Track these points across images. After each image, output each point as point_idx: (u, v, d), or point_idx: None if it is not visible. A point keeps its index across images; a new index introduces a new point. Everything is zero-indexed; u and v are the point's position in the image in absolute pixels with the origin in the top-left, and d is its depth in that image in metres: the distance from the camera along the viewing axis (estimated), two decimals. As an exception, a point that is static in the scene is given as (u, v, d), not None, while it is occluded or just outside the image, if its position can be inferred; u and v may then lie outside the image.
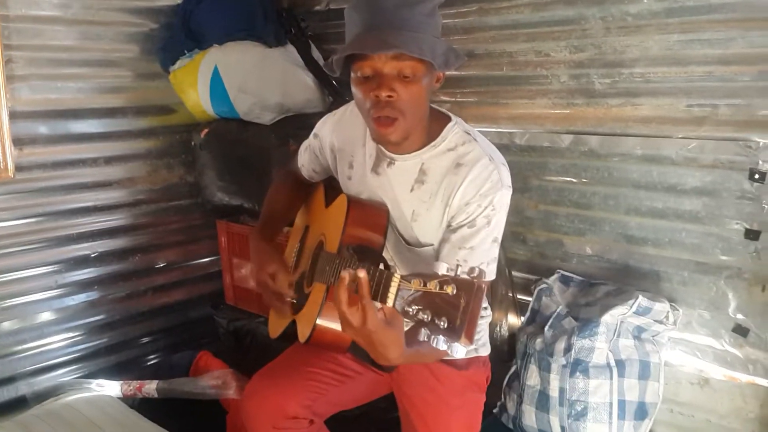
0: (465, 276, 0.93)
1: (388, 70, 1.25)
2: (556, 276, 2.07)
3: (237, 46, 2.26)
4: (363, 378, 1.58)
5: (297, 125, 2.22)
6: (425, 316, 0.94)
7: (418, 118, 1.33)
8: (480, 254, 1.33)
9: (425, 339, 0.94)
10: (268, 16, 2.26)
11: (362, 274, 1.02)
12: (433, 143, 1.39)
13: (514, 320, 2.18)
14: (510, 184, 1.38)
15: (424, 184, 1.40)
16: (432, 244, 1.42)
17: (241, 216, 2.44)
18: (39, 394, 2.23)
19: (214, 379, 2.23)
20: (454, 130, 1.40)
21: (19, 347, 2.24)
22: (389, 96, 1.26)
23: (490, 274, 1.37)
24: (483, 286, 0.93)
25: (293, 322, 1.51)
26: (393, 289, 1.00)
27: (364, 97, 1.29)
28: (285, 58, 2.31)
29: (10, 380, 2.21)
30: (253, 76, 2.24)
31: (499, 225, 1.37)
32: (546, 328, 1.90)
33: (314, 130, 1.63)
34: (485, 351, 1.61)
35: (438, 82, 1.35)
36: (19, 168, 2.08)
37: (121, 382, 2.28)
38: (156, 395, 2.23)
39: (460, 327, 0.91)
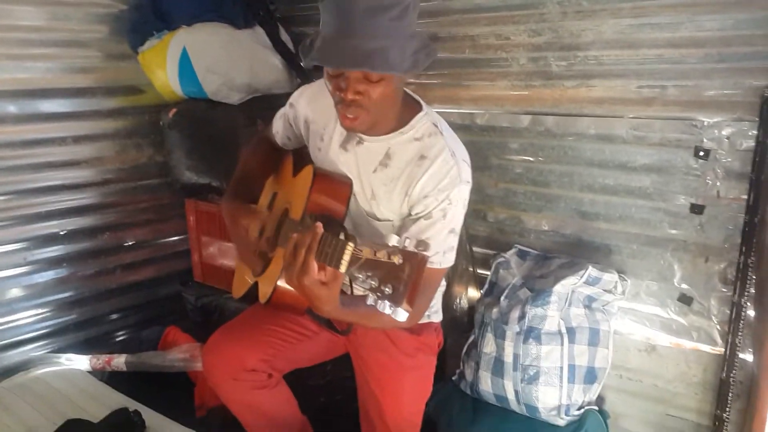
0: (412, 249, 1.02)
1: (354, 75, 1.29)
2: (513, 250, 2.16)
3: (205, 27, 2.29)
4: (320, 338, 1.66)
5: (265, 105, 2.26)
6: (373, 283, 1.03)
7: (385, 111, 1.38)
8: (435, 244, 1.40)
9: (372, 303, 1.03)
10: (237, -1, 2.30)
11: (319, 229, 1.11)
12: (401, 130, 1.44)
13: (474, 293, 2.27)
14: (469, 180, 1.45)
15: (387, 167, 1.46)
16: (390, 220, 1.49)
17: (209, 195, 2.48)
18: (8, 369, 2.26)
19: (182, 353, 2.29)
20: (422, 120, 1.45)
21: (-13, 323, 2.24)
22: (355, 99, 1.30)
23: (447, 262, 1.45)
24: (426, 258, 1.02)
25: (256, 285, 1.56)
26: (346, 257, 1.08)
27: (333, 92, 1.34)
28: (253, 39, 2.35)
29: (-22, 355, 2.23)
30: (222, 57, 2.27)
31: (456, 217, 1.43)
32: (502, 298, 1.99)
33: (290, 99, 1.67)
34: (437, 318, 1.70)
35: (411, 75, 1.39)
36: (-15, 146, 2.09)
37: (90, 356, 2.32)
38: (125, 368, 2.28)
39: (403, 293, 1.00)
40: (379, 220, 1.50)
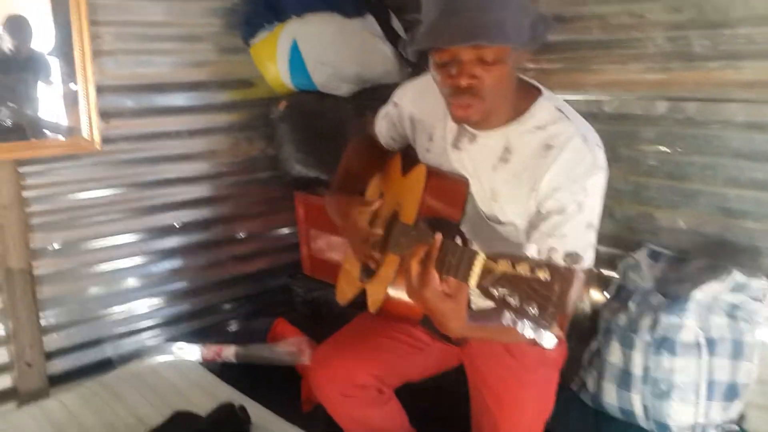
0: (560, 262, 0.89)
1: (467, 57, 1.18)
2: (644, 251, 1.95)
3: (315, 17, 2.25)
4: (432, 349, 1.55)
5: (374, 97, 2.18)
6: (513, 301, 0.90)
7: (501, 99, 1.26)
8: (572, 241, 1.25)
9: (510, 324, 0.90)
10: (348, -13, 2.24)
11: (438, 236, 1.01)
12: (519, 119, 1.31)
13: (597, 296, 2.10)
14: (605, 166, 1.30)
15: (508, 162, 1.33)
16: (514, 223, 1.36)
17: (318, 188, 2.44)
18: (124, 357, 2.33)
19: (289, 346, 2.27)
20: (543, 106, 1.31)
21: (106, 311, 2.33)
22: (468, 84, 1.20)
23: (587, 261, 1.30)
24: (579, 273, 0.89)
25: (363, 290, 1.49)
26: (477, 269, 0.96)
27: (443, 82, 1.24)
28: (364, 28, 2.28)
29: (97, 342, 2.31)
30: (331, 48, 2.23)
31: (594, 210, 1.28)
32: (630, 303, 1.81)
33: (394, 98, 1.58)
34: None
35: (528, 55, 1.27)
36: (105, 140, 2.15)
37: (201, 345, 2.35)
38: (234, 360, 2.29)
39: (552, 315, 0.87)
40: (501, 223, 1.37)
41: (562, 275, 0.87)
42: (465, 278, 0.97)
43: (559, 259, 0.89)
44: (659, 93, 1.90)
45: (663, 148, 1.92)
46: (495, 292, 0.93)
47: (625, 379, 1.78)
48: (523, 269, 0.90)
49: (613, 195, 2.01)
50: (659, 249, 1.95)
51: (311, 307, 2.53)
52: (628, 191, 2.02)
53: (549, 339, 0.88)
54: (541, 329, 0.88)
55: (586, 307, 2.10)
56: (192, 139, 2.41)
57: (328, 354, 1.52)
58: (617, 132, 2.00)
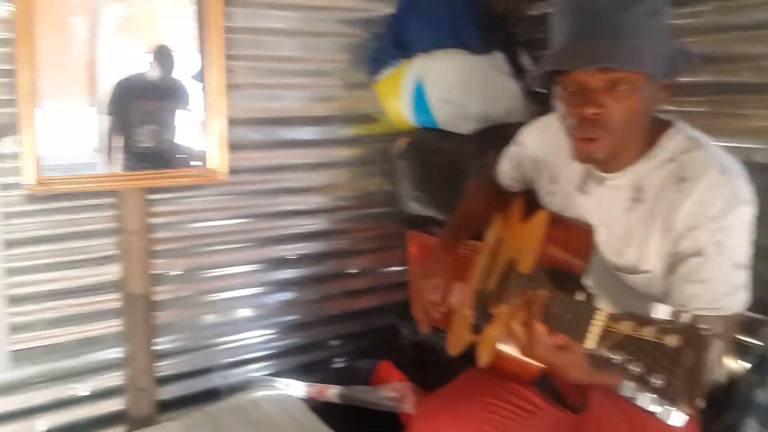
0: (691, 323, 0.77)
1: (596, 84, 1.08)
2: (797, 321, 1.74)
3: (442, 54, 2.21)
4: (545, 415, 1.40)
5: (497, 135, 2.08)
6: (635, 369, 0.79)
7: (630, 135, 1.15)
8: (715, 286, 1.11)
9: (630, 395, 0.79)
10: (476, 23, 2.18)
11: (542, 292, 0.93)
12: (649, 154, 1.18)
13: (732, 365, 1.88)
14: (750, 199, 1.14)
15: (641, 202, 1.20)
16: (648, 271, 1.22)
17: (432, 227, 2.38)
18: (231, 387, 2.32)
19: (392, 391, 2.20)
20: (674, 138, 1.18)
21: (218, 340, 2.35)
22: (595, 114, 1.10)
23: (735, 305, 1.13)
24: (714, 339, 0.76)
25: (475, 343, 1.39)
26: (596, 329, 0.86)
27: (567, 113, 1.15)
28: (491, 65, 2.21)
29: (206, 371, 2.33)
30: (456, 85, 2.18)
31: (740, 248, 1.12)
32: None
33: (518, 137, 1.49)
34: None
35: (665, 90, 1.15)
36: (232, 171, 2.19)
37: (306, 383, 2.32)
38: (337, 400, 2.24)
39: (679, 390, 0.74)
40: (636, 272, 1.23)
41: (695, 342, 0.75)
42: (581, 338, 0.87)
43: (698, 310, 0.76)
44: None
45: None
46: (614, 358, 0.81)
47: (768, 468, 1.57)
48: (648, 333, 0.79)
49: (759, 254, 1.83)
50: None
51: (417, 351, 2.45)
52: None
53: (676, 417, 0.75)
54: (667, 405, 0.75)
55: (720, 375, 1.89)
56: (313, 173, 2.42)
57: (435, 408, 1.41)
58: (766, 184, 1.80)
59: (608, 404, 1.30)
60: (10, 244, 1.91)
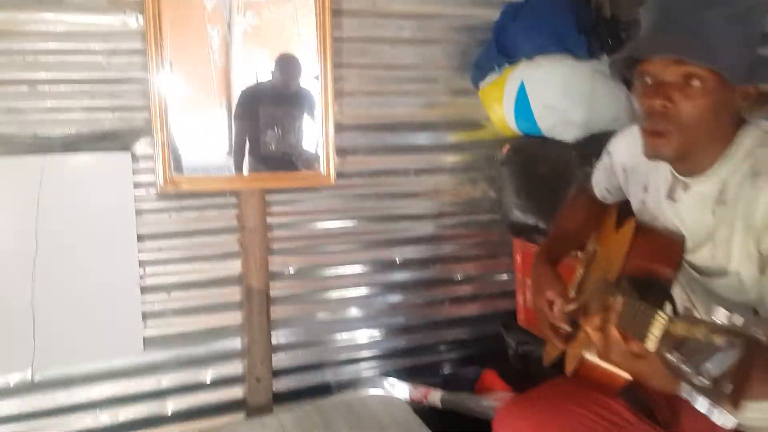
0: (742, 326, 0.76)
1: (669, 77, 1.07)
2: None
3: (546, 60, 2.19)
4: (633, 430, 1.35)
5: (602, 143, 2.06)
6: (687, 369, 0.78)
7: (701, 139, 1.11)
8: None
9: (687, 396, 0.78)
10: (581, 28, 2.17)
11: (619, 299, 0.94)
12: (727, 153, 1.15)
13: None
14: None
15: (724, 204, 1.16)
16: (738, 272, 1.16)
17: (536, 236, 2.36)
18: (341, 384, 2.44)
19: (496, 401, 2.19)
20: (750, 133, 1.14)
21: (330, 337, 2.47)
22: (664, 106, 1.08)
23: None
24: (762, 342, 0.74)
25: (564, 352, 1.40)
26: (655, 331, 0.86)
27: (639, 104, 1.14)
28: (596, 71, 2.18)
29: (318, 366, 2.46)
30: (560, 92, 2.15)
31: None
32: None
33: (607, 147, 1.48)
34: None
35: (747, 98, 1.11)
36: (342, 175, 2.31)
37: (411, 386, 2.38)
38: (439, 405, 2.28)
39: (722, 390, 0.74)
40: (724, 275, 1.18)
41: (743, 344, 0.73)
42: (643, 339, 0.88)
43: (740, 323, 0.74)
44: None
45: None
46: (670, 358, 0.81)
47: None
48: (700, 333, 0.78)
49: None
50: None
51: (522, 361, 2.42)
52: None
53: (722, 417, 0.74)
54: (713, 406, 0.74)
55: None
56: (418, 178, 2.48)
57: (513, 412, 1.41)
58: None
59: (702, 420, 1.25)
60: (143, 238, 2.13)
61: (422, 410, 2.22)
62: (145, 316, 2.15)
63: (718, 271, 1.19)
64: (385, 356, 2.55)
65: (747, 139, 1.14)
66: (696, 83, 1.06)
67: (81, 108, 2.02)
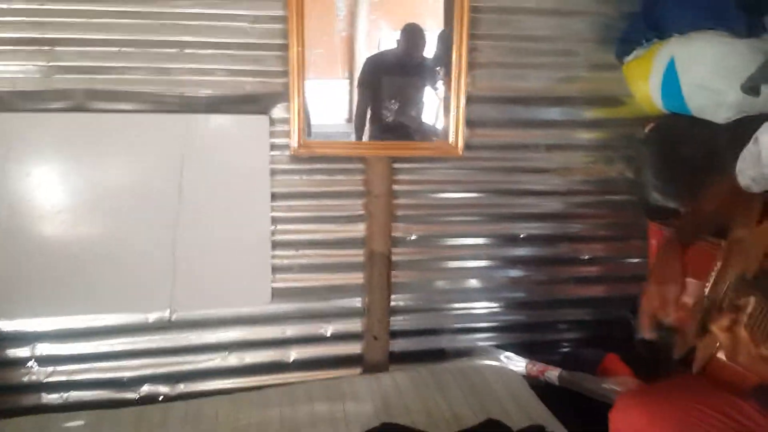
0: None
1: None
2: None
3: (700, 36, 2.04)
4: None
5: (756, 127, 1.91)
6: None
7: None
8: None
9: None
10: (740, 3, 1.98)
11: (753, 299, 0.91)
12: None
13: None
14: None
15: None
16: None
17: (673, 220, 2.24)
18: (456, 351, 2.47)
19: (618, 385, 2.13)
20: None
21: (448, 305, 2.50)
22: None
23: None
24: None
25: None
26: None
27: None
28: (756, 49, 1.99)
29: (435, 332, 2.50)
30: (713, 70, 2.00)
31: None
32: None
33: (757, 134, 1.39)
34: None
35: None
36: (470, 147, 2.30)
37: (528, 360, 2.37)
38: (557, 383, 2.25)
39: None
40: None
41: None
42: (764, 341, 0.86)
43: None
44: None
45: None
46: None
47: None
48: None
49: None
50: None
51: (649, 349, 2.31)
52: None
53: None
54: None
55: None
56: (549, 153, 2.43)
57: (635, 405, 1.38)
58: None
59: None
60: (276, 197, 2.24)
61: (538, 386, 2.23)
62: (274, 269, 2.28)
63: None
64: (503, 329, 2.55)
65: None
66: None
67: (224, 71, 2.14)
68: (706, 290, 1.33)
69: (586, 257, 2.56)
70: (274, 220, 2.26)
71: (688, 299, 1.45)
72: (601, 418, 2.07)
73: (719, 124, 2.05)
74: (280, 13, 2.12)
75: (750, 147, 1.43)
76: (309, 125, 2.19)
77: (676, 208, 2.19)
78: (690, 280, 1.43)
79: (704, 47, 2.02)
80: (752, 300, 0.97)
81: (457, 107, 2.24)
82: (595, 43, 2.34)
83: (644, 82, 2.19)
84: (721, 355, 1.18)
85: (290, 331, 2.38)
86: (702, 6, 2.03)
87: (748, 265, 1.22)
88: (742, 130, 1.96)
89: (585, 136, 2.45)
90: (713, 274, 1.48)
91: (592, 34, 2.34)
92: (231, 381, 2.32)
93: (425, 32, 2.25)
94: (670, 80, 2.10)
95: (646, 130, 2.29)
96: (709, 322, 1.27)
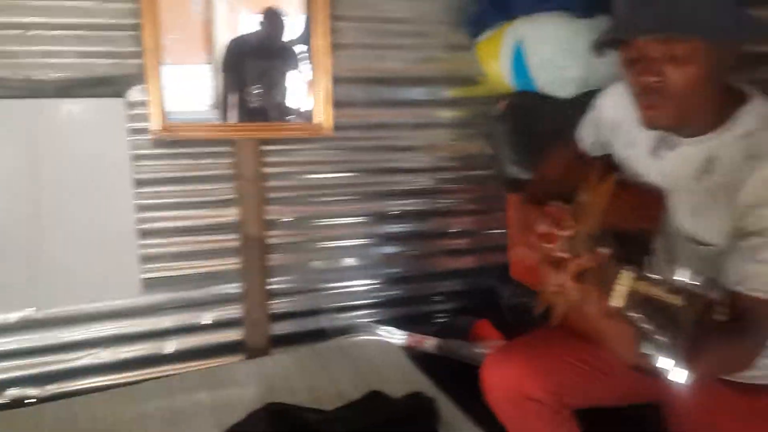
0: (698, 288, 0.79)
1: (655, 53, 1.08)
2: None
3: (543, 17, 2.17)
4: (623, 377, 1.39)
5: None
6: (647, 326, 0.82)
7: (696, 103, 1.13)
8: None
9: (647, 353, 0.82)
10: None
11: (596, 253, 0.96)
12: (724, 127, 1.16)
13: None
14: None
15: (710, 173, 1.18)
16: (714, 244, 1.20)
17: (525, 188, 2.39)
18: (337, 330, 2.51)
19: (489, 349, 2.25)
20: (751, 112, 1.15)
21: (326, 285, 2.54)
22: (656, 82, 1.10)
23: None
24: (713, 304, 0.79)
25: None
26: (620, 288, 0.89)
27: (631, 81, 1.16)
28: (594, 29, 2.15)
29: (315, 313, 2.53)
30: (557, 49, 2.14)
31: None
32: None
33: (596, 101, 1.51)
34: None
35: (731, 57, 1.12)
36: (338, 127, 2.33)
37: (406, 333, 2.45)
38: (434, 352, 2.35)
39: (678, 346, 0.78)
40: (700, 244, 1.22)
41: (697, 303, 0.77)
42: (607, 296, 0.90)
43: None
44: None
45: None
46: (631, 315, 0.85)
47: None
48: (659, 292, 0.82)
49: None
50: None
51: (514, 312, 2.48)
52: None
53: (678, 374, 0.78)
54: (671, 362, 0.79)
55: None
56: (415, 132, 2.51)
57: (502, 359, 1.47)
58: None
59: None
60: (141, 183, 2.19)
61: (417, 356, 2.31)
62: (144, 259, 2.23)
63: (696, 237, 1.22)
64: (381, 305, 2.62)
65: (749, 119, 1.15)
66: (683, 53, 1.07)
67: (74, 53, 2.05)
68: (558, 249, 1.44)
69: (455, 230, 2.68)
70: (140, 208, 2.20)
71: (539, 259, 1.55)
72: (477, 380, 2.22)
73: (565, 99, 2.21)
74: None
75: (590, 113, 1.54)
76: (171, 108, 2.14)
77: (531, 180, 2.34)
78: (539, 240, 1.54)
79: (548, 27, 2.16)
80: (597, 254, 1.01)
81: (324, 88, 2.27)
82: (449, 24, 2.44)
83: (495, 61, 2.31)
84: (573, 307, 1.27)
85: (166, 322, 2.33)
86: (544, -12, 2.17)
87: (591, 224, 1.32)
88: (585, 103, 2.14)
89: (447, 114, 2.55)
90: (563, 233, 1.61)
91: (446, 16, 2.44)
92: (106, 378, 2.25)
93: (285, 15, 2.27)
94: (518, 59, 2.22)
95: (500, 107, 2.41)
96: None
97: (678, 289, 0.80)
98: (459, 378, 2.19)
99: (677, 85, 1.09)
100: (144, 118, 2.13)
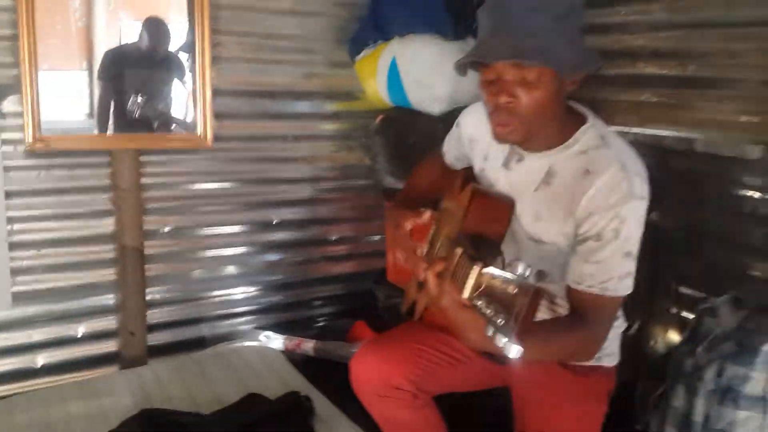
0: (527, 278, 0.95)
1: (509, 77, 1.24)
2: (725, 297, 1.87)
3: (416, 38, 2.33)
4: (474, 364, 1.58)
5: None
6: (489, 312, 0.97)
7: (541, 122, 1.30)
8: (608, 269, 1.28)
9: (491, 335, 0.96)
10: (450, 10, 2.31)
11: (457, 250, 1.07)
12: (564, 144, 1.35)
13: (674, 337, 2.04)
14: (644, 195, 1.29)
15: (549, 186, 1.37)
16: (555, 243, 1.39)
17: (396, 195, 2.53)
18: (217, 337, 2.53)
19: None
20: (588, 133, 1.34)
21: (206, 294, 2.55)
22: (508, 102, 1.25)
23: (623, 289, 1.31)
24: (540, 292, 0.94)
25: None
26: (470, 281, 1.03)
27: (487, 100, 1.31)
28: (462, 51, 2.34)
29: (195, 321, 2.53)
30: (427, 69, 2.30)
31: (631, 239, 1.29)
32: (699, 349, 1.75)
33: (458, 119, 1.66)
34: (609, 361, 1.53)
35: (574, 84, 1.31)
36: (217, 138, 2.35)
37: (285, 337, 2.50)
38: (312, 354, 2.43)
39: (512, 327, 0.93)
40: (543, 243, 1.41)
41: (524, 290, 0.93)
42: (461, 289, 1.04)
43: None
44: (756, 136, 1.82)
45: (756, 194, 1.84)
46: (479, 303, 0.99)
47: (685, 426, 1.72)
48: (499, 283, 0.97)
49: (700, 236, 1.98)
50: (743, 297, 1.86)
51: (389, 313, 2.61)
52: (714, 234, 1.95)
53: (514, 350, 0.93)
54: (506, 340, 0.93)
55: (659, 347, 2.05)
56: (296, 143, 2.58)
57: (368, 353, 1.58)
58: (708, 173, 1.94)
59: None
60: (11, 195, 2.11)
61: (296, 359, 2.36)
62: (14, 272, 2.15)
63: (539, 238, 1.41)
64: (262, 311, 2.66)
65: (584, 138, 1.34)
66: (533, 79, 1.23)
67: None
68: (424, 251, 1.57)
69: (335, 238, 2.78)
70: (11, 220, 2.12)
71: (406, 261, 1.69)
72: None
73: (435, 116, 2.37)
74: (7, 2, 2.00)
75: (453, 130, 1.69)
76: (46, 119, 2.07)
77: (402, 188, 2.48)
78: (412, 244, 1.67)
79: (420, 48, 2.32)
80: (455, 254, 1.12)
81: (204, 100, 2.28)
82: (331, 42, 2.54)
83: (372, 78, 2.44)
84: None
85: (37, 335, 2.25)
86: (416, 12, 2.32)
87: (453, 227, 1.47)
88: (452, 119, 2.31)
89: (328, 127, 2.65)
90: (429, 237, 1.76)
91: (329, 34, 2.54)
92: (-29, 395, 2.13)
93: (168, 25, 2.25)
94: (393, 77, 2.37)
95: (377, 121, 2.56)
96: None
97: (513, 280, 0.96)
98: (335, 377, 2.29)
99: (527, 106, 1.25)
100: (18, 128, 2.06)
